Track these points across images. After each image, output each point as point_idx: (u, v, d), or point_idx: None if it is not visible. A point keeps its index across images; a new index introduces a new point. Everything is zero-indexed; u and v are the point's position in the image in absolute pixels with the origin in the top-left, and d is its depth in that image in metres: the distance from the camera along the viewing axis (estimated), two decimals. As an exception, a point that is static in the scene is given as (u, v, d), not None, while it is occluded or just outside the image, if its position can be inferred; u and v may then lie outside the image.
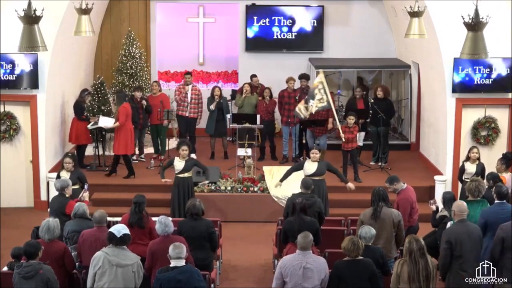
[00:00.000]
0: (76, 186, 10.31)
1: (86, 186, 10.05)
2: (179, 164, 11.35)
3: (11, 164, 12.93)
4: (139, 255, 8.18)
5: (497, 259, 7.97)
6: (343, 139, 12.91)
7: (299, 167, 11.28)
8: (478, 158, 11.32)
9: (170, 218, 8.15)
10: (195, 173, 12.41)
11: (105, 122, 13.30)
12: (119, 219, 9.27)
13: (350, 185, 11.49)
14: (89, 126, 13.39)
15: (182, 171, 11.36)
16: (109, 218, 8.71)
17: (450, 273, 7.96)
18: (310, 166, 11.07)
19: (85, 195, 9.70)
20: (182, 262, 7.18)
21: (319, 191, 10.83)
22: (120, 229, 7.38)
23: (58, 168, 13.04)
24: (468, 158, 11.39)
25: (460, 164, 11.76)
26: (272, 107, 14.37)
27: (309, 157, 11.26)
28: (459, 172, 11.57)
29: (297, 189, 9.89)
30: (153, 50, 16.75)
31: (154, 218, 9.06)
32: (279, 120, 14.78)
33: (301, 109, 13.25)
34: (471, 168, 11.29)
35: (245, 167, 12.92)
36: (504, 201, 8.63)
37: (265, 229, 11.57)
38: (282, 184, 12.04)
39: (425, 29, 10.89)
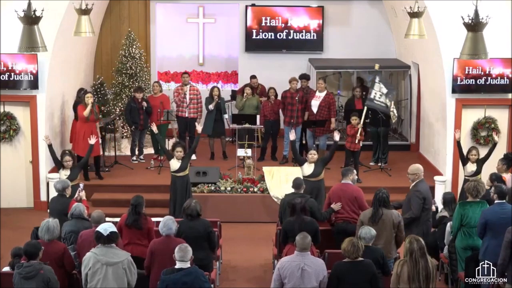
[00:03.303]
0: (77, 182, 10.45)
1: (81, 186, 10.02)
2: (175, 164, 11.34)
3: (11, 165, 12.92)
4: (138, 256, 8.20)
5: (507, 263, 7.90)
6: (356, 141, 12.91)
7: (302, 163, 11.14)
8: (477, 159, 11.33)
9: (173, 219, 8.11)
10: (195, 173, 12.43)
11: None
12: (118, 219, 9.28)
13: (336, 135, 11.36)
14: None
15: (178, 171, 11.36)
16: (108, 219, 8.70)
17: (418, 223, 9.38)
18: (307, 168, 10.99)
19: (82, 194, 9.70)
20: (187, 264, 7.18)
21: (313, 192, 10.63)
22: (106, 227, 7.38)
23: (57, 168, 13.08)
24: (468, 159, 11.40)
25: (459, 168, 11.81)
26: (277, 107, 14.35)
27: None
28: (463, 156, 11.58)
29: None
30: (153, 51, 16.74)
31: (154, 219, 9.06)
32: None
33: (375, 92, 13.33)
34: (471, 167, 11.31)
35: (245, 168, 12.92)
36: (504, 201, 8.61)
37: (265, 229, 11.57)
38: (282, 185, 12.05)
39: (425, 30, 10.90)
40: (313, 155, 11.01)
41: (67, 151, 11.01)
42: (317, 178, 10.97)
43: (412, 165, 9.80)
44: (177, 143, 11.55)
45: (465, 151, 11.47)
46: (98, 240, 7.34)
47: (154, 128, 12.12)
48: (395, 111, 13.41)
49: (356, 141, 12.97)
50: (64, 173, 10.76)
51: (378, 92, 13.26)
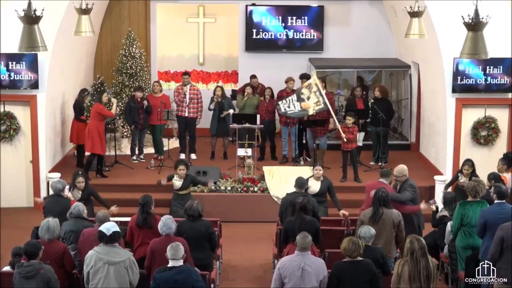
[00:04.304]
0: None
1: (67, 186, 9.96)
2: (177, 183, 11.34)
3: (11, 164, 12.92)
4: None
5: (497, 259, 7.98)
6: (345, 140, 12.87)
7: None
8: (471, 172, 11.09)
9: (172, 218, 8.12)
10: (195, 173, 12.40)
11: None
12: (119, 219, 9.30)
13: (344, 212, 10.58)
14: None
15: (180, 189, 11.35)
16: (111, 218, 8.70)
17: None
18: (314, 185, 10.75)
19: (69, 195, 9.68)
20: (180, 262, 7.19)
21: (321, 209, 10.45)
22: (109, 227, 7.41)
23: (58, 168, 13.14)
24: (461, 172, 11.36)
25: (459, 167, 11.79)
26: (272, 106, 14.34)
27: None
28: (453, 178, 11.58)
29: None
30: (153, 50, 16.74)
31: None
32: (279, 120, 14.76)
33: (284, 104, 13.29)
34: (464, 179, 11.27)
35: (245, 167, 12.92)
36: (504, 201, 8.61)
37: (265, 229, 11.57)
38: (282, 184, 12.04)
39: (425, 29, 10.90)
40: (318, 171, 10.78)
41: (80, 172, 10.71)
42: (324, 195, 10.88)
43: (398, 167, 9.87)
44: (179, 161, 11.47)
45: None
46: (100, 239, 7.37)
47: (164, 182, 11.62)
48: (311, 109, 13.21)
49: (345, 141, 12.90)
50: (78, 193, 10.40)
51: (285, 105, 13.27)
